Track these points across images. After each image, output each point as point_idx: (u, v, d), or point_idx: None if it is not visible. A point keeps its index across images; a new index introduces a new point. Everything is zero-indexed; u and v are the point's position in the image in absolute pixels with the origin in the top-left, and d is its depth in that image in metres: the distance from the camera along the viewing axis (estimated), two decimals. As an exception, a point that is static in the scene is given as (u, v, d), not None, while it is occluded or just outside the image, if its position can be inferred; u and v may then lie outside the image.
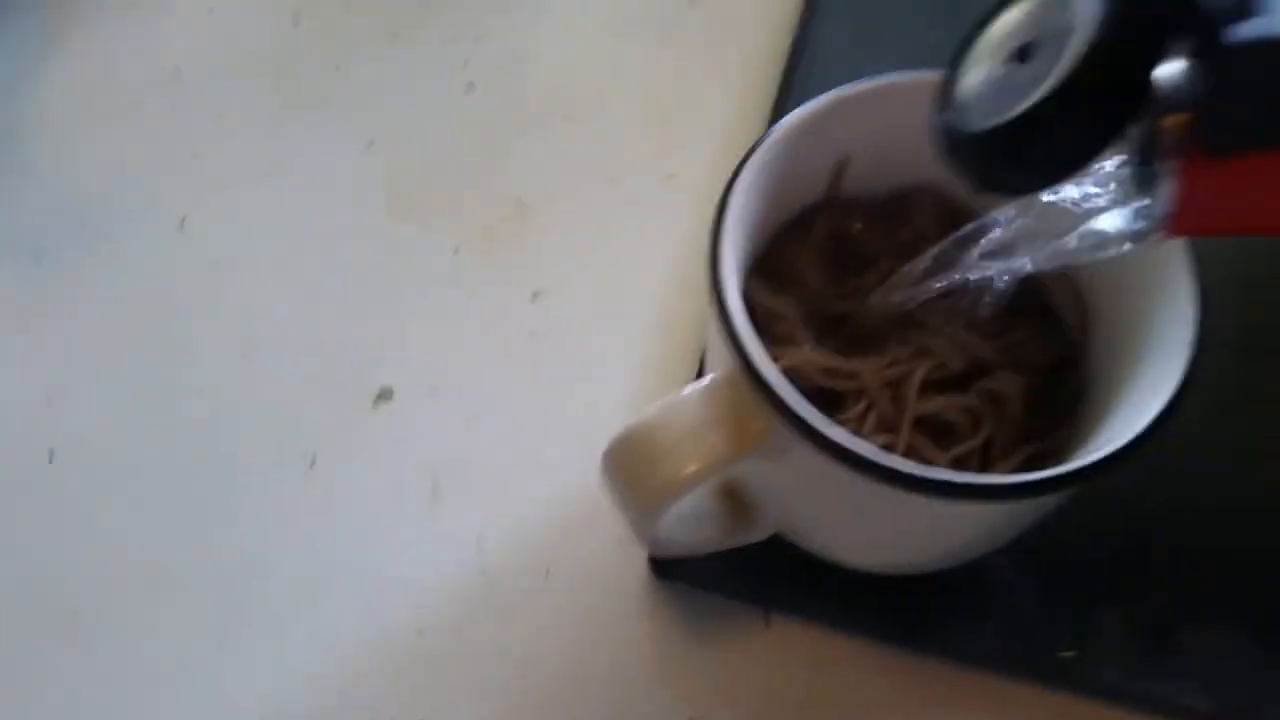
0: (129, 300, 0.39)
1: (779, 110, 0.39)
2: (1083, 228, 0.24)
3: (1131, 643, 0.32)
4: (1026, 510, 0.28)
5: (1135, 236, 0.24)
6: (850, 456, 0.25)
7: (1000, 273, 0.27)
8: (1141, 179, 0.22)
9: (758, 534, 0.31)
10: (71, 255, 0.40)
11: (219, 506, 0.35)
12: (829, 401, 0.29)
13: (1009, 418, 0.29)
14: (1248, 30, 0.20)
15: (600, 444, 0.28)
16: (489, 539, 0.34)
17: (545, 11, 0.45)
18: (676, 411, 0.27)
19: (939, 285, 0.28)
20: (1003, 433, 0.29)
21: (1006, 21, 0.23)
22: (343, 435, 0.36)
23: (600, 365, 0.37)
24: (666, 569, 0.33)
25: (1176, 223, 0.22)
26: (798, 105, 0.29)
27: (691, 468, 0.26)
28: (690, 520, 0.30)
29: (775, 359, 0.27)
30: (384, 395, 0.37)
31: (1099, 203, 0.23)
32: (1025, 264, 0.26)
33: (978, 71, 0.23)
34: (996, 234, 0.26)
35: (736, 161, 0.28)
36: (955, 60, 0.24)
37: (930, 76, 0.26)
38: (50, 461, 0.36)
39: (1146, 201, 0.22)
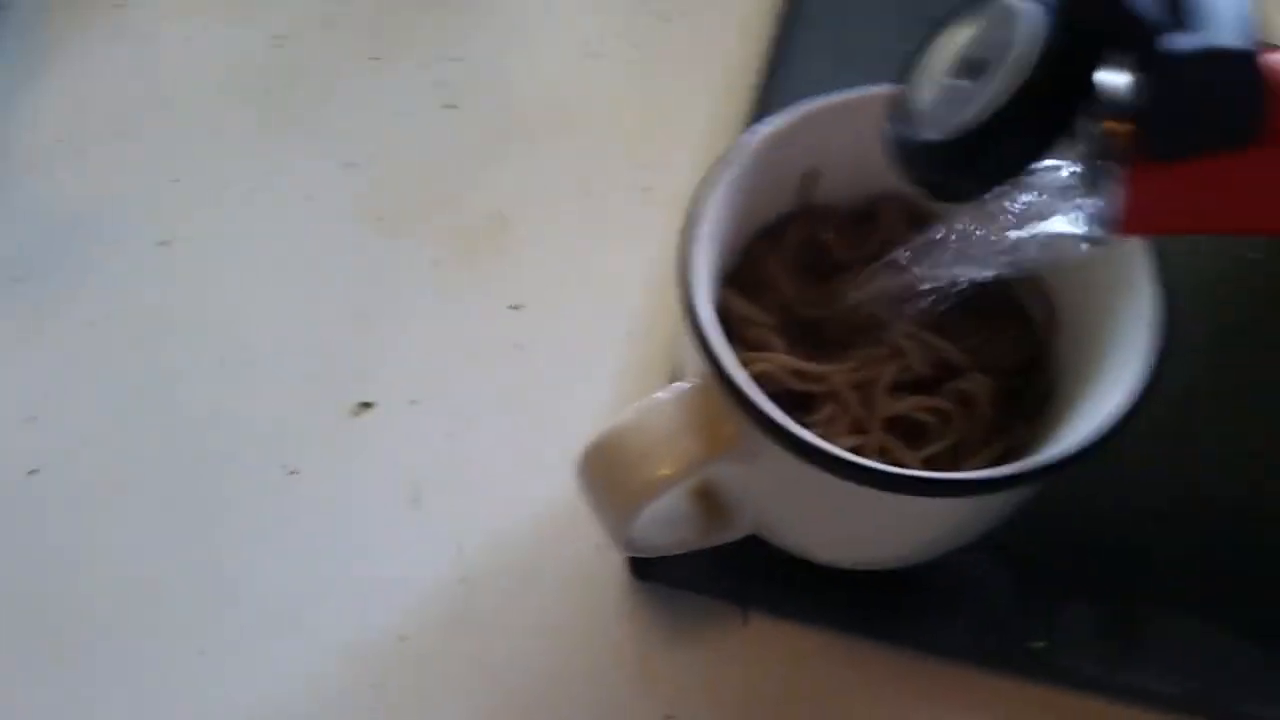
0: (112, 318, 0.39)
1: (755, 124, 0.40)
2: (1036, 230, 0.25)
3: (1101, 633, 0.32)
4: (993, 505, 0.29)
5: (1089, 238, 0.25)
6: (818, 455, 0.25)
7: (962, 276, 0.27)
8: (1090, 181, 0.23)
9: (733, 534, 0.31)
10: (54, 274, 0.40)
11: (202, 517, 0.35)
12: (801, 404, 0.29)
13: (979, 418, 0.30)
14: (1188, 42, 0.21)
15: (578, 451, 0.28)
16: (470, 545, 0.34)
17: (524, 30, 0.46)
18: (650, 416, 0.28)
19: (904, 289, 0.29)
20: (973, 433, 0.30)
21: (954, 36, 0.24)
22: (324, 445, 0.36)
23: (579, 375, 0.37)
24: (645, 570, 0.33)
25: (1124, 223, 0.23)
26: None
27: (665, 471, 0.27)
28: (666, 521, 0.31)
29: (747, 364, 0.27)
30: (365, 406, 0.37)
31: (1048, 206, 0.24)
32: (985, 268, 0.27)
33: (929, 85, 0.24)
34: (953, 239, 0.27)
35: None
36: (907, 74, 0.25)
37: (894, 89, 0.27)
38: (30, 475, 0.36)
39: (1097, 202, 0.23)
